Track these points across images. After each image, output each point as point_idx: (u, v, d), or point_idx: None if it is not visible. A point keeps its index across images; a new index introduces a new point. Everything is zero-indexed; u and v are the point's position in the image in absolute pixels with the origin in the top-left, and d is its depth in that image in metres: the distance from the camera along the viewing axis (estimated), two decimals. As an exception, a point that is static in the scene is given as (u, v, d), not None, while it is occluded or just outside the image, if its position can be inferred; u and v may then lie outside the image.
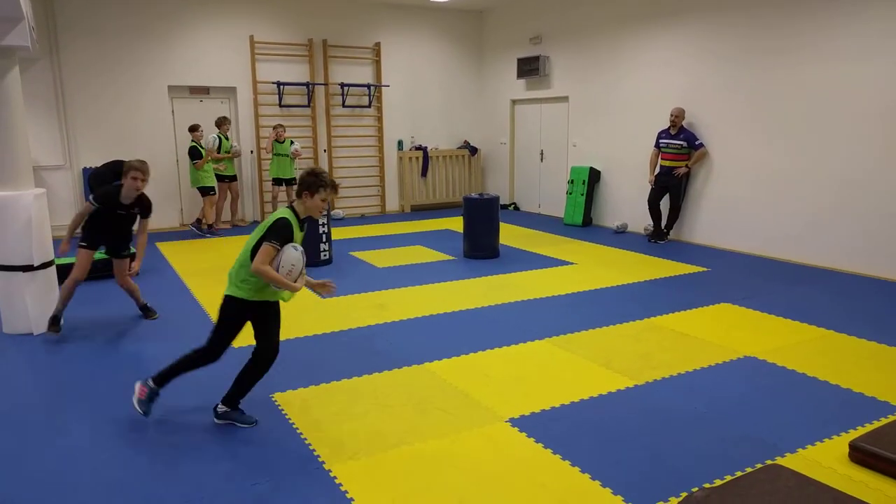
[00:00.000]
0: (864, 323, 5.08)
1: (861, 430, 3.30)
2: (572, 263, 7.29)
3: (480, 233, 7.59)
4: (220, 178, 9.71)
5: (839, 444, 3.18)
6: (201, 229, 9.34)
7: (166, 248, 8.31)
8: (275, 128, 9.76)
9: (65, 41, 8.88)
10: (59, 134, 9.02)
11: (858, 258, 6.64)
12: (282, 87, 10.24)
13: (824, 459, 3.05)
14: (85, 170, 9.16)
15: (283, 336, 4.86)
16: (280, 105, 10.35)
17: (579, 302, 5.78)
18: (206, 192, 9.26)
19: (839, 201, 6.78)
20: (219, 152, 9.54)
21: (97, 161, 9.20)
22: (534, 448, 3.19)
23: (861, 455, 2.99)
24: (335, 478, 2.94)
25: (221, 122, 9.54)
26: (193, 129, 9.19)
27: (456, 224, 9.78)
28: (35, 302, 4.95)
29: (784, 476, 2.71)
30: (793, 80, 7.08)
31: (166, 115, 9.68)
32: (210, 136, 9.31)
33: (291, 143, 9.90)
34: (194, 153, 9.11)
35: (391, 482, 2.90)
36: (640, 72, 8.95)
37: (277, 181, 9.91)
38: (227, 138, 9.58)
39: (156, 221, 9.60)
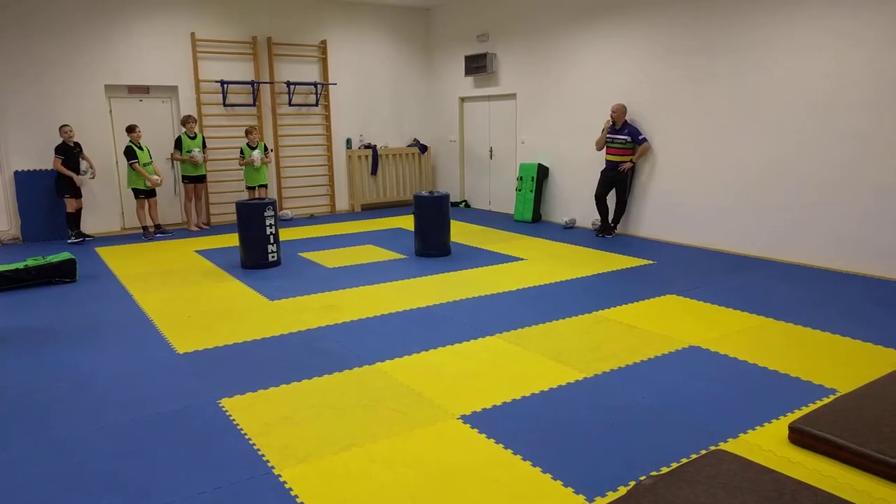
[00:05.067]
0: (801, 310, 5.27)
1: (799, 413, 3.43)
2: (523, 259, 7.36)
3: (431, 231, 7.58)
4: (187, 178, 9.50)
5: (779, 428, 3.29)
6: (147, 235, 9.12)
7: (106, 253, 8.02)
8: (248, 132, 9.61)
9: (-8, 39, 8.48)
10: (-12, 136, 8.61)
11: (796, 248, 6.89)
12: (226, 85, 10.00)
13: (765, 443, 3.16)
14: (17, 173, 8.76)
15: (231, 339, 4.79)
16: (224, 104, 10.11)
17: (530, 297, 5.84)
18: (135, 195, 9.04)
19: (777, 193, 7.02)
20: (180, 153, 9.33)
21: (30, 165, 8.84)
22: (485, 444, 3.20)
23: (800, 437, 3.11)
24: (285, 482, 2.89)
25: (186, 121, 9.33)
26: (130, 129, 8.93)
27: (407, 222, 9.75)
28: (-37, 312, 4.70)
29: (727, 460, 2.79)
30: (735, 75, 7.30)
31: (104, 116, 9.34)
32: (196, 150, 9.35)
33: (266, 149, 9.87)
34: (129, 153, 8.84)
35: (343, 484, 2.87)
36: (586, 68, 9.09)
37: (252, 188, 9.72)
38: (191, 137, 9.36)
39: (96, 226, 9.31)
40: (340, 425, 3.41)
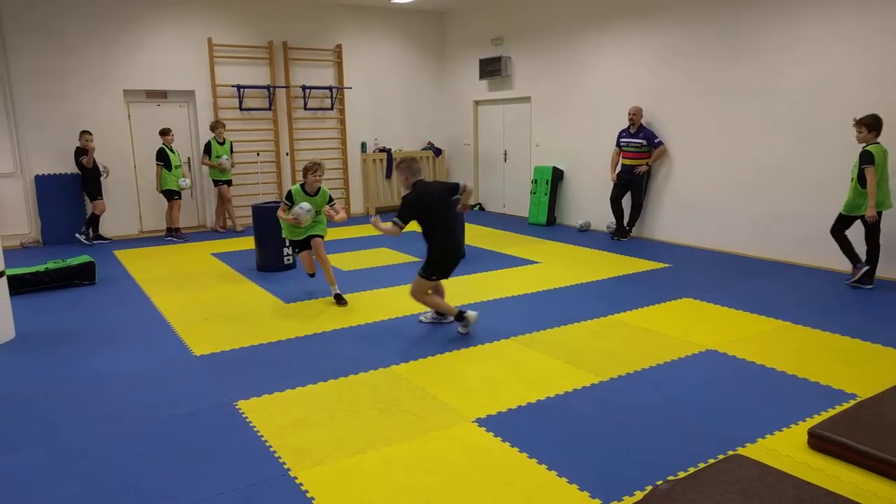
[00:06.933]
0: (818, 314, 5.21)
1: (818, 418, 3.39)
2: (537, 262, 7.34)
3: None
4: (217, 181, 9.60)
5: (798, 433, 3.25)
6: (172, 236, 9.25)
7: (124, 256, 8.11)
8: (311, 171, 5.80)
9: (14, 47, 8.60)
10: (10, 141, 8.73)
11: (813, 251, 6.82)
12: (242, 90, 10.08)
13: (784, 448, 3.12)
14: (37, 177, 8.89)
15: (247, 342, 4.83)
16: (240, 109, 10.19)
17: (544, 300, 5.82)
18: (168, 196, 9.15)
19: (794, 196, 6.95)
20: (209, 157, 9.39)
21: (50, 168, 8.96)
22: (501, 447, 3.19)
23: (819, 442, 3.07)
24: (301, 485, 2.90)
25: (215, 126, 9.39)
26: (164, 132, 9.05)
27: (421, 226, 9.75)
28: (-15, 314, 4.78)
29: (745, 465, 2.76)
30: (751, 78, 7.25)
31: (122, 121, 9.45)
32: (225, 157, 9.39)
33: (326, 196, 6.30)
34: (161, 156, 8.95)
35: (358, 487, 2.87)
36: (601, 71, 9.06)
37: (297, 243, 6.07)
38: (220, 143, 9.43)
39: (115, 229, 9.42)
40: (355, 428, 3.42)
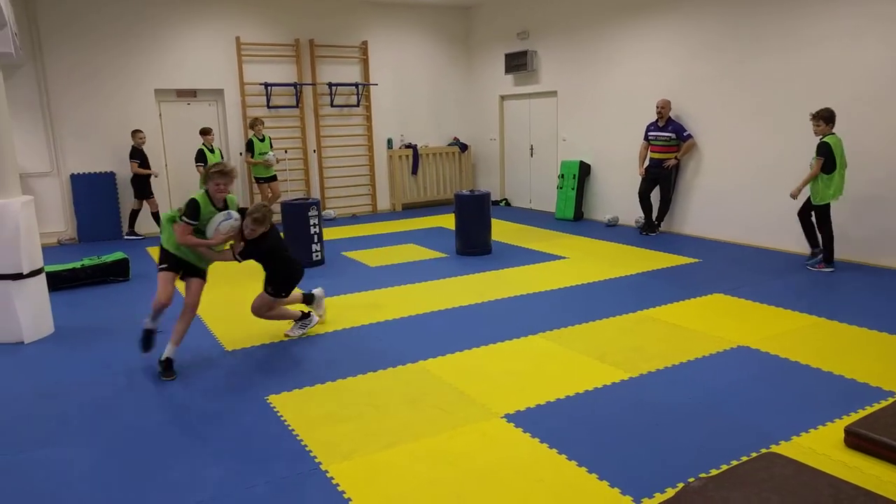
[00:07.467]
0: (853, 310, 5.10)
1: (855, 416, 3.32)
2: (564, 258, 7.30)
3: (472, 229, 7.58)
4: (261, 179, 9.67)
5: (834, 431, 3.19)
6: None
7: (157, 253, 8.24)
8: (213, 178, 4.60)
9: (49, 46, 8.80)
10: (46, 140, 8.95)
11: (847, 246, 6.66)
12: (269, 88, 10.18)
13: (819, 446, 3.06)
14: (73, 176, 9.09)
15: (277, 337, 4.88)
16: (268, 106, 10.29)
17: (572, 296, 5.79)
18: None
19: (828, 189, 6.81)
20: (252, 155, 9.46)
21: (85, 167, 9.16)
22: (530, 443, 3.19)
23: (857, 440, 3.01)
24: (332, 478, 2.93)
25: (254, 124, 9.43)
26: (205, 132, 9.13)
27: (448, 221, 9.76)
28: (25, 310, 4.90)
29: (780, 464, 2.72)
30: (780, 68, 7.11)
31: (154, 119, 9.61)
32: (271, 154, 9.47)
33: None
34: (200, 156, 9.05)
35: (388, 481, 2.90)
36: (628, 64, 8.96)
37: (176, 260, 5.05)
38: (261, 140, 9.47)
39: (147, 227, 9.58)
40: (385, 423, 3.45)
